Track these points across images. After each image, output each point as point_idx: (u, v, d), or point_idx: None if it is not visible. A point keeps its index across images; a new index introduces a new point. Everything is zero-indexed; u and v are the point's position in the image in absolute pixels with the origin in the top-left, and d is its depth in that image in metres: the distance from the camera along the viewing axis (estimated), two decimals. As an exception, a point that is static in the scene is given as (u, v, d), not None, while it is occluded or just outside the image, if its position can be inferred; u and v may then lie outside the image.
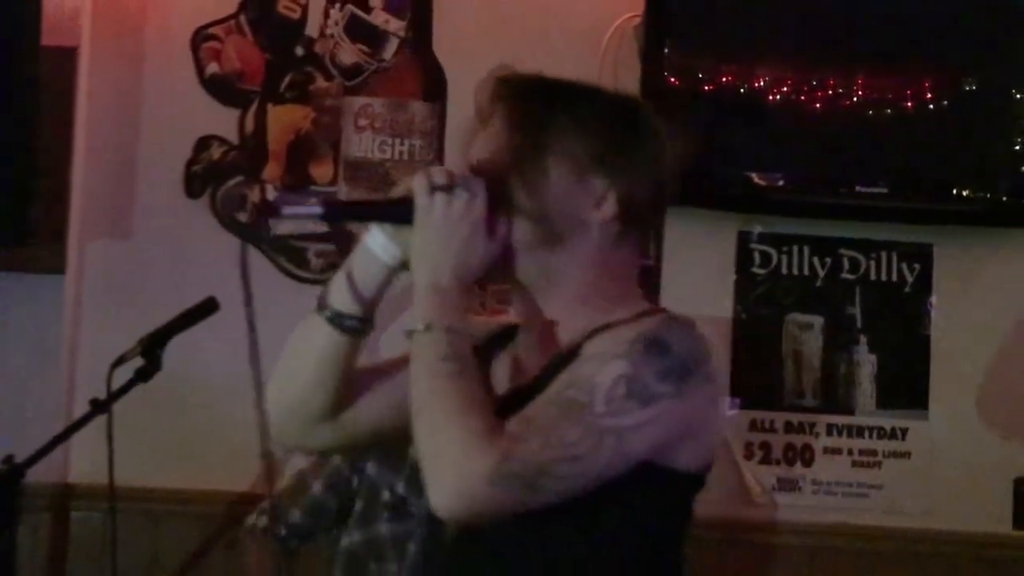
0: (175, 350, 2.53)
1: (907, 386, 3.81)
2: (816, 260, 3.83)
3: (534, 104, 1.77)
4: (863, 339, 3.82)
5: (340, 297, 1.77)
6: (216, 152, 3.79)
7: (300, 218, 1.88)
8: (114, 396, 2.45)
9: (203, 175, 3.78)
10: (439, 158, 3.78)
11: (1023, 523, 3.77)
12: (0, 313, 3.61)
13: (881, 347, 3.82)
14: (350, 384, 1.82)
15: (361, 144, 3.80)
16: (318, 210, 1.76)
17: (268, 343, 4.15)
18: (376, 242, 1.75)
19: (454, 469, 1.58)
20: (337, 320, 1.77)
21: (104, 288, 3.71)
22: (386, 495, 2.86)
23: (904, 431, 3.80)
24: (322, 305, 1.79)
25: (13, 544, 2.48)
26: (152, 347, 2.51)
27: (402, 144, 3.79)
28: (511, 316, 1.88)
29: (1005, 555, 3.74)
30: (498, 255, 1.72)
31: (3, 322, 3.61)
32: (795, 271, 3.82)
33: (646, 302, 1.80)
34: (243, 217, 3.78)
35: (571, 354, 1.70)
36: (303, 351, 1.83)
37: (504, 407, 1.66)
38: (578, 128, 1.75)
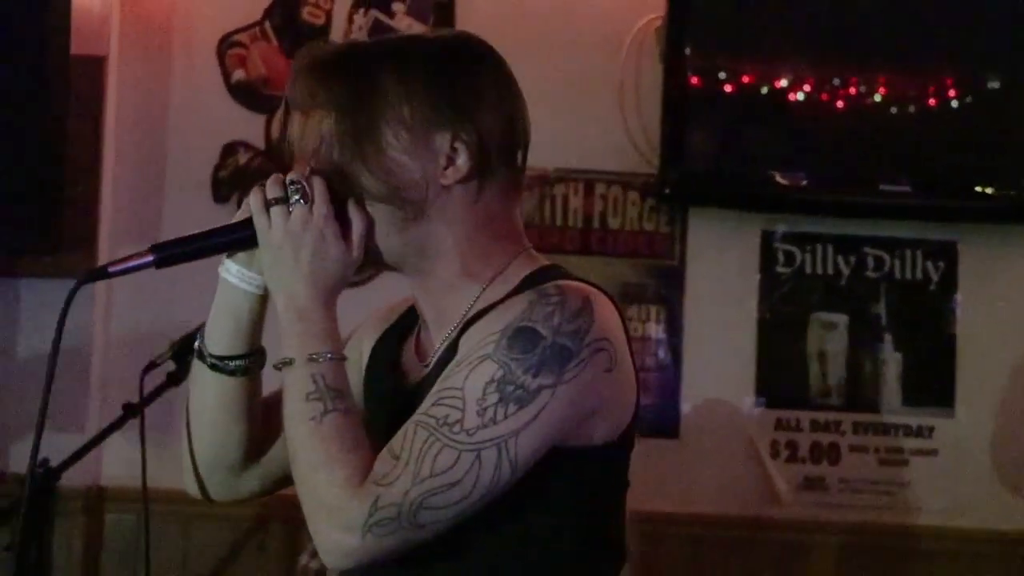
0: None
1: (933, 384, 3.81)
2: (840, 259, 3.83)
3: (351, 77, 1.59)
4: (888, 337, 3.83)
5: (217, 340, 1.66)
6: (243, 157, 3.82)
7: (132, 272, 1.63)
8: (146, 400, 2.47)
9: (230, 180, 3.81)
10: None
11: (1050, 520, 3.77)
12: (32, 318, 3.65)
13: (906, 345, 3.82)
14: (263, 421, 1.72)
15: (386, 148, 3.82)
16: (149, 259, 1.61)
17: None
18: (232, 274, 1.65)
19: (329, 525, 1.48)
20: (220, 365, 1.66)
21: (135, 294, 3.74)
22: None
23: (930, 429, 3.80)
24: (201, 353, 1.68)
25: (49, 547, 2.50)
26: (183, 351, 2.53)
27: (427, 148, 3.81)
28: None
29: (1033, 552, 3.75)
30: (361, 250, 1.60)
31: (35, 327, 3.64)
32: (819, 270, 3.83)
33: (527, 249, 1.68)
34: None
35: (452, 348, 1.57)
36: (199, 406, 1.71)
37: (407, 409, 1.55)
38: (403, 87, 1.58)
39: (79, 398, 3.62)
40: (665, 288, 3.79)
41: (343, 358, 1.56)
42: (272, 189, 1.58)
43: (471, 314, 1.60)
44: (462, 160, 1.59)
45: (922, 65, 3.64)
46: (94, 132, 3.62)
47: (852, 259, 3.83)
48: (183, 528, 3.66)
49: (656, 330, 3.77)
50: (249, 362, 1.66)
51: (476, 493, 1.48)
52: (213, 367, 1.67)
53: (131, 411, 2.51)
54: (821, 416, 3.79)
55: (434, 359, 1.63)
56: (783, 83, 3.63)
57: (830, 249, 3.84)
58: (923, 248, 3.82)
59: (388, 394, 1.67)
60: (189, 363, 2.54)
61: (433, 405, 1.50)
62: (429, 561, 1.55)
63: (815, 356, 3.81)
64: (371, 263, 1.64)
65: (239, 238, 1.61)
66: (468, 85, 1.60)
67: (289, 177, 1.58)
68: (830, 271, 3.83)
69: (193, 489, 1.78)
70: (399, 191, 1.58)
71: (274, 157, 3.81)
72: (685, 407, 3.75)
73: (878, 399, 3.81)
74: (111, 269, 1.62)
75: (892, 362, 3.82)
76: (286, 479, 1.67)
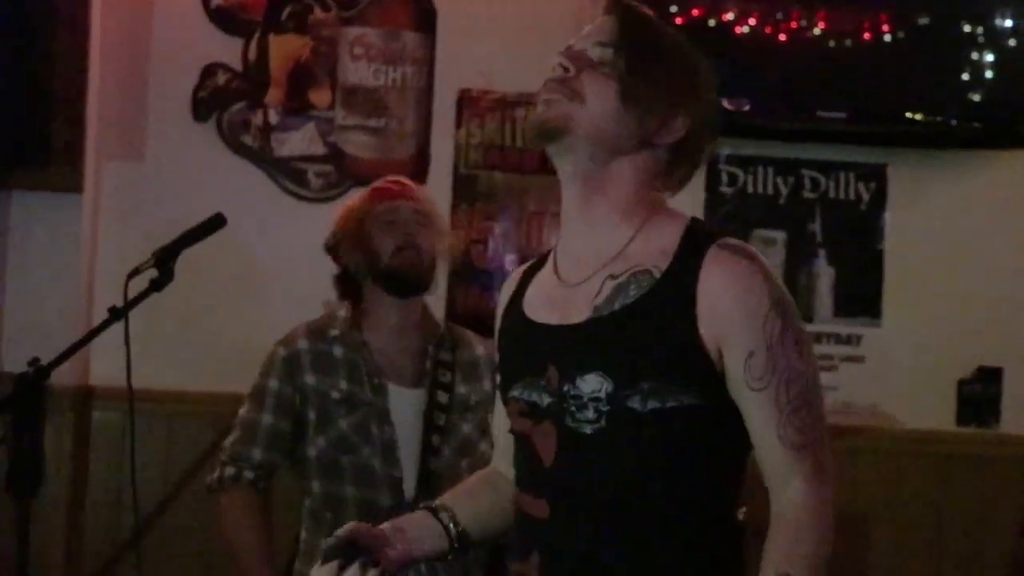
0: (186, 262, 2.55)
1: (862, 296, 3.86)
2: (780, 180, 3.86)
3: (648, 35, 1.81)
4: (822, 253, 3.86)
5: None
6: (221, 79, 3.79)
7: None
8: (130, 304, 2.46)
9: (209, 100, 3.78)
10: (429, 85, 3.78)
11: (965, 420, 3.84)
12: (24, 229, 3.63)
13: (839, 260, 3.86)
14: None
15: (356, 71, 3.79)
16: None
17: (273, 255, 4.18)
18: None
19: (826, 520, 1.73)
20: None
21: (119, 206, 3.73)
22: (335, 395, 2.84)
23: (859, 337, 3.85)
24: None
25: (40, 442, 2.50)
26: (165, 259, 2.51)
27: (395, 71, 3.79)
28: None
29: (949, 449, 3.81)
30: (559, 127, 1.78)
31: (27, 238, 3.62)
32: (760, 190, 3.85)
33: (670, 210, 1.83)
34: (248, 139, 3.78)
35: (673, 276, 1.73)
36: None
37: (557, 336, 1.73)
38: (672, 66, 1.79)
39: (69, 302, 3.61)
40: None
41: None
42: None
43: (672, 246, 1.75)
44: (676, 131, 1.77)
45: (859, 2, 3.63)
46: (81, 54, 3.57)
47: (790, 180, 3.85)
48: (167, 425, 3.68)
49: (607, 245, 3.78)
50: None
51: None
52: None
53: (116, 314, 2.49)
54: (759, 325, 3.81)
55: (601, 295, 1.75)
56: (730, 16, 3.62)
57: (770, 171, 3.85)
58: (856, 170, 3.85)
59: (543, 301, 1.81)
60: (171, 270, 2.54)
61: (786, 385, 1.70)
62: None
63: (754, 270, 3.83)
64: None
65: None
66: (700, 89, 1.80)
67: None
68: (770, 191, 3.85)
69: None
70: (633, 121, 1.75)
71: (251, 78, 3.78)
72: (633, 316, 3.76)
73: (812, 310, 3.85)
74: None
75: (825, 276, 3.86)
76: None
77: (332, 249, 2.92)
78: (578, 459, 1.72)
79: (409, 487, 2.84)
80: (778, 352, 1.69)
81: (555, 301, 1.79)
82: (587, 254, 1.78)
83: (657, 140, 1.77)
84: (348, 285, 2.93)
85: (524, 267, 1.93)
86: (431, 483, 2.84)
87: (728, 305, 1.70)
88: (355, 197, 2.99)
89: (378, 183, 2.97)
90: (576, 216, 1.80)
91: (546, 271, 1.84)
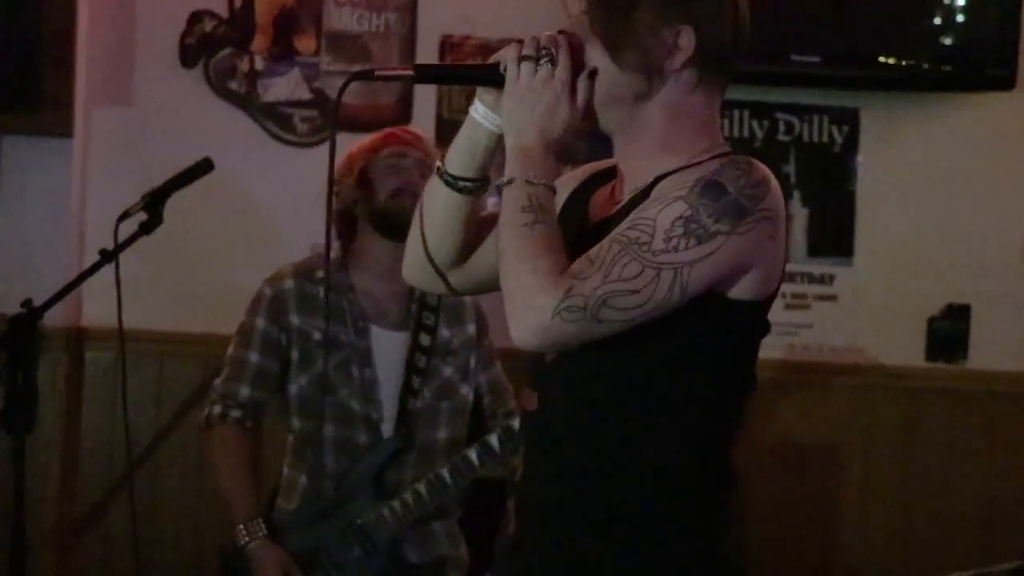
0: (175, 205, 2.54)
1: (835, 236, 3.87)
2: (755, 123, 3.85)
3: None
4: (796, 194, 3.86)
5: (454, 162, 1.81)
6: (208, 25, 3.76)
7: (391, 80, 1.82)
8: (121, 246, 2.46)
9: (196, 47, 3.75)
10: (412, 31, 3.76)
11: (935, 356, 3.86)
12: (16, 174, 3.61)
13: (812, 201, 3.86)
14: (473, 234, 1.86)
15: (341, 18, 3.77)
16: (410, 72, 1.75)
17: (260, 199, 4.17)
18: (479, 113, 1.77)
19: (526, 305, 1.59)
20: (453, 182, 1.80)
21: (109, 150, 3.71)
22: (316, 335, 2.85)
23: (831, 277, 3.86)
24: (440, 169, 1.82)
25: (34, 381, 2.50)
26: (154, 202, 2.51)
27: (378, 18, 3.77)
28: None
29: (918, 384, 3.83)
30: (581, 116, 1.71)
31: (19, 182, 3.61)
32: (736, 133, 3.85)
33: (722, 143, 1.75)
34: (234, 85, 3.75)
35: (642, 195, 1.69)
36: (429, 210, 1.86)
37: (588, 238, 1.67)
38: None
39: (60, 245, 3.60)
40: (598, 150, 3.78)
41: (554, 189, 1.69)
42: (527, 48, 1.71)
43: (663, 172, 1.70)
44: (686, 46, 1.69)
45: (832, -54, 3.62)
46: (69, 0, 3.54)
47: (765, 124, 3.85)
48: (157, 364, 3.68)
49: (587, 187, 3.77)
50: (475, 185, 1.81)
51: (649, 305, 1.60)
52: (447, 183, 1.81)
53: (106, 256, 2.49)
54: (735, 265, 3.82)
55: (622, 203, 1.74)
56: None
57: (746, 114, 3.85)
58: (829, 114, 3.85)
59: (575, 226, 1.78)
60: (160, 213, 2.54)
61: (628, 228, 1.62)
62: (594, 376, 1.69)
63: (731, 211, 3.83)
64: (587, 129, 1.74)
65: (488, 77, 1.73)
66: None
67: (543, 41, 1.71)
68: (745, 134, 3.85)
69: (410, 275, 1.93)
70: (629, 72, 1.70)
71: (237, 25, 3.75)
72: (613, 257, 3.77)
73: (787, 250, 3.84)
74: (377, 72, 1.77)
75: (799, 217, 3.86)
76: (476, 287, 1.91)
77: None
78: (570, 356, 1.69)
79: (387, 427, 2.85)
80: (656, 206, 1.61)
81: (601, 209, 1.79)
82: (634, 181, 1.75)
83: (670, 67, 1.70)
84: (341, 225, 2.91)
85: (593, 169, 1.89)
86: (409, 424, 2.85)
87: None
88: (365, 140, 2.95)
89: (392, 129, 2.95)
90: (625, 158, 1.77)
91: (608, 187, 1.83)
